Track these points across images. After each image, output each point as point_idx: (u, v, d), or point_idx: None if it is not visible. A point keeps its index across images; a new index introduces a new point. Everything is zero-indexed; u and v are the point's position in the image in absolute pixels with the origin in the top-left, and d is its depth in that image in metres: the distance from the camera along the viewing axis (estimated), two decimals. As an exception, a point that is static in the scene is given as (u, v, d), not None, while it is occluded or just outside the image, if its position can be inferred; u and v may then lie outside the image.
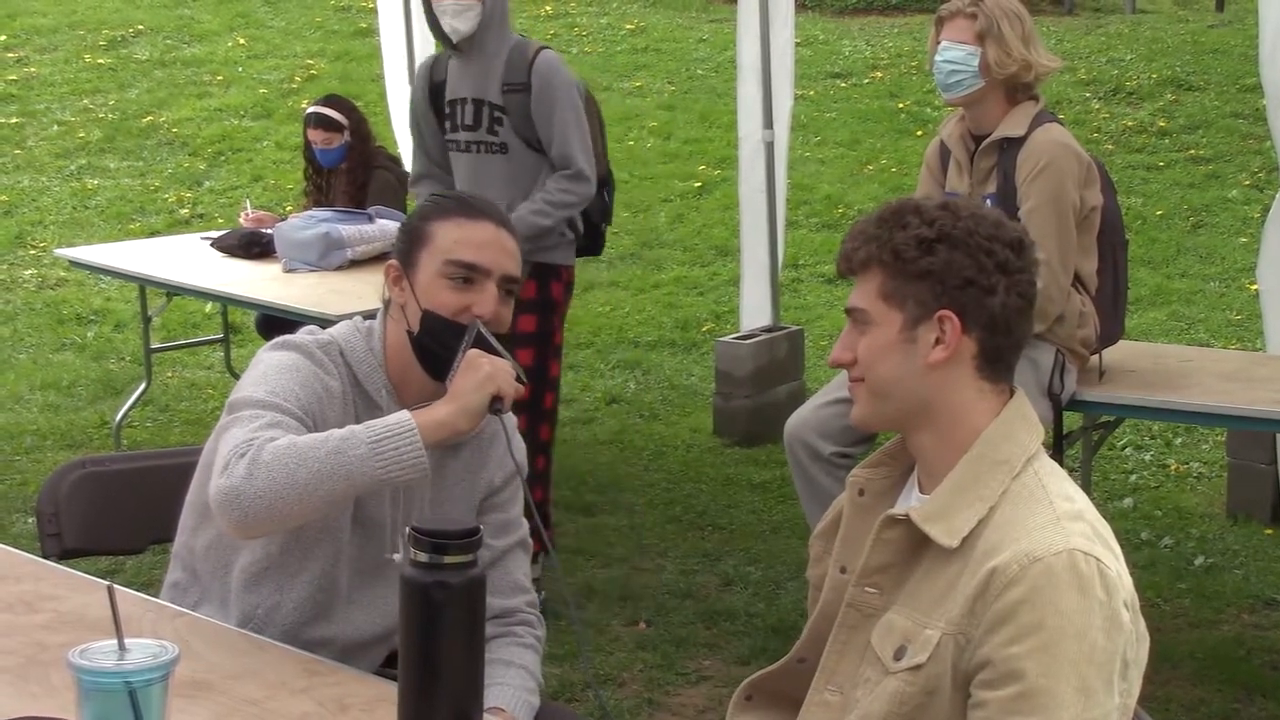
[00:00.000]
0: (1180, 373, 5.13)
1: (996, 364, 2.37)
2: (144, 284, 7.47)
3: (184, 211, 11.46)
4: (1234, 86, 12.83)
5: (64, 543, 3.33)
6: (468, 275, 2.85)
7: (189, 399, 8.05)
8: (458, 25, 5.34)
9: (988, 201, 4.66)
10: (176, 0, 16.06)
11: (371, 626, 2.94)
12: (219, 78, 14.03)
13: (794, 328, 7.87)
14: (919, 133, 12.20)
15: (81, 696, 2.08)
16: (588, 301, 9.52)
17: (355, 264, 6.79)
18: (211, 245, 7.35)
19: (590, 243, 5.69)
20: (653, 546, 6.13)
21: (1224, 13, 15.92)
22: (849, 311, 2.42)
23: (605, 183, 5.69)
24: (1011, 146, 4.74)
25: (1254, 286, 7.17)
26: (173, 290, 7.20)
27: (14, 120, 13.14)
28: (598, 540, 6.17)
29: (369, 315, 3.02)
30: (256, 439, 2.63)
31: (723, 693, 4.80)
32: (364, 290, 6.05)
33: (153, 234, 10.39)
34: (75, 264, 7.94)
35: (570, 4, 16.52)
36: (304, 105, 9.39)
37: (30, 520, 5.90)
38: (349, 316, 3.05)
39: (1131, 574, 2.27)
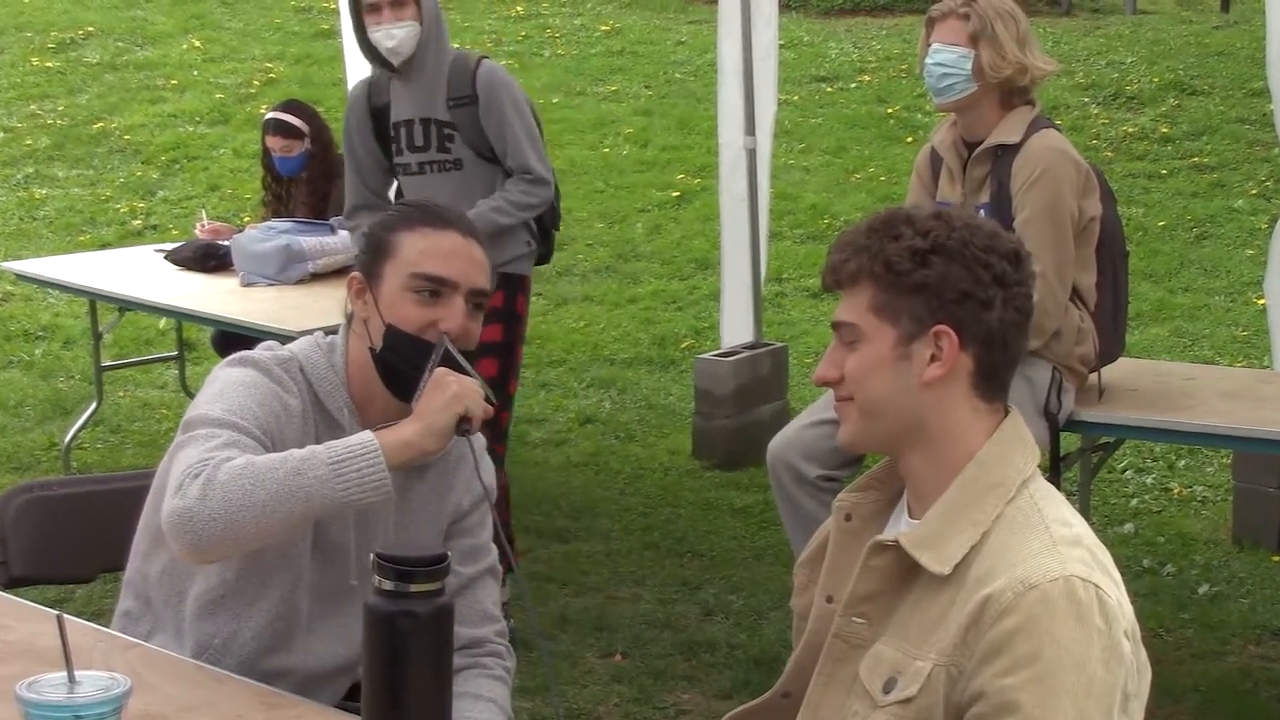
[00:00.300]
0: (1183, 392, 5.13)
1: (992, 382, 2.37)
2: (94, 298, 7.45)
3: (136, 222, 11.43)
4: (1240, 91, 12.86)
5: (10, 570, 3.33)
6: (434, 289, 2.85)
7: (142, 419, 8.03)
8: (397, 48, 5.41)
9: (981, 211, 4.65)
10: (128, 1, 16.03)
11: (333, 657, 2.93)
12: (173, 82, 14.01)
13: (777, 344, 7.87)
14: (909, 139, 12.23)
15: (28, 731, 2.07)
16: (561, 317, 9.52)
17: (316, 277, 6.78)
18: (165, 258, 7.33)
19: (544, 250, 5.76)
20: (629, 574, 6.12)
21: (1229, 13, 16.00)
22: (835, 326, 2.41)
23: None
24: (1006, 154, 4.74)
25: (1261, 301, 7.21)
26: (125, 305, 7.19)
27: (-44, 126, 13.13)
28: (571, 568, 6.16)
29: (331, 331, 3.01)
30: (212, 459, 2.63)
31: (703, 728, 4.80)
32: (326, 305, 6.05)
33: (104, 246, 10.35)
34: (22, 277, 7.92)
35: (542, 4, 16.53)
36: (262, 111, 9.37)
37: (-27, 547, 5.87)
38: (310, 332, 3.05)
39: (1132, 603, 2.28)
